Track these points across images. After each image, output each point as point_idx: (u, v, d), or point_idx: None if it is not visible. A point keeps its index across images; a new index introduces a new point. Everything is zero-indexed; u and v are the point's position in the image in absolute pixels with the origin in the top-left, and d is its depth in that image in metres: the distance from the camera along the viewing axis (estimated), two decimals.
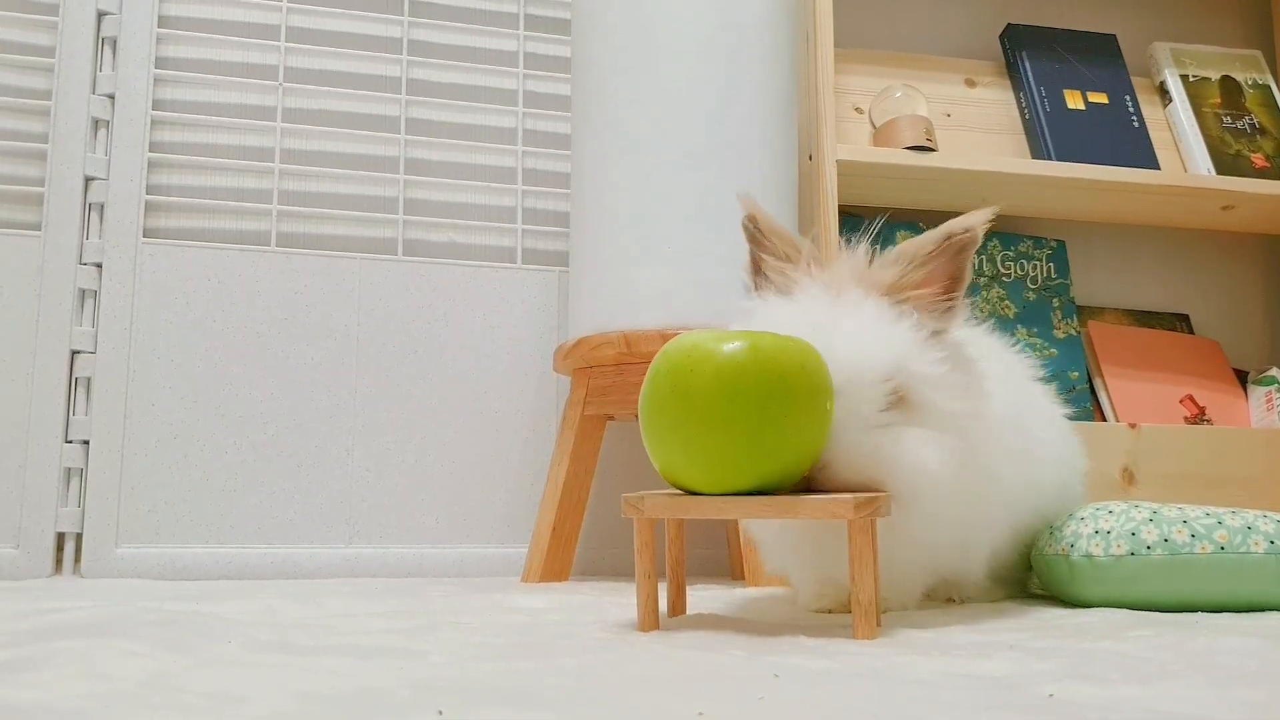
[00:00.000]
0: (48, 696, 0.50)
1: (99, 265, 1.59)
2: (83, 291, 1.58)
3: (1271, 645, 0.68)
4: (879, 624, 0.80)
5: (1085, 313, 1.93)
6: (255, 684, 0.53)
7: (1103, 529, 1.05)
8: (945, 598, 1.05)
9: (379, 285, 1.68)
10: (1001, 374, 1.04)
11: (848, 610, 0.93)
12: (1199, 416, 1.87)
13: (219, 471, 1.59)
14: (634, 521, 0.82)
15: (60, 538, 1.53)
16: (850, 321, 0.82)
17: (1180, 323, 2.02)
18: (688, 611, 0.93)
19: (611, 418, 1.51)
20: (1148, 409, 1.84)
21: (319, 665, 0.59)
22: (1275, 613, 0.99)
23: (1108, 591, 1.04)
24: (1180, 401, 1.89)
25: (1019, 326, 1.83)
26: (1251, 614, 0.98)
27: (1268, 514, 1.05)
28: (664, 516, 0.83)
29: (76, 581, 1.47)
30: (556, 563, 1.46)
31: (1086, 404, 1.82)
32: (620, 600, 1.16)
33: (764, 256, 0.91)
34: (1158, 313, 2.01)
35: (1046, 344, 1.83)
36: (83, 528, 1.53)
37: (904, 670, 0.58)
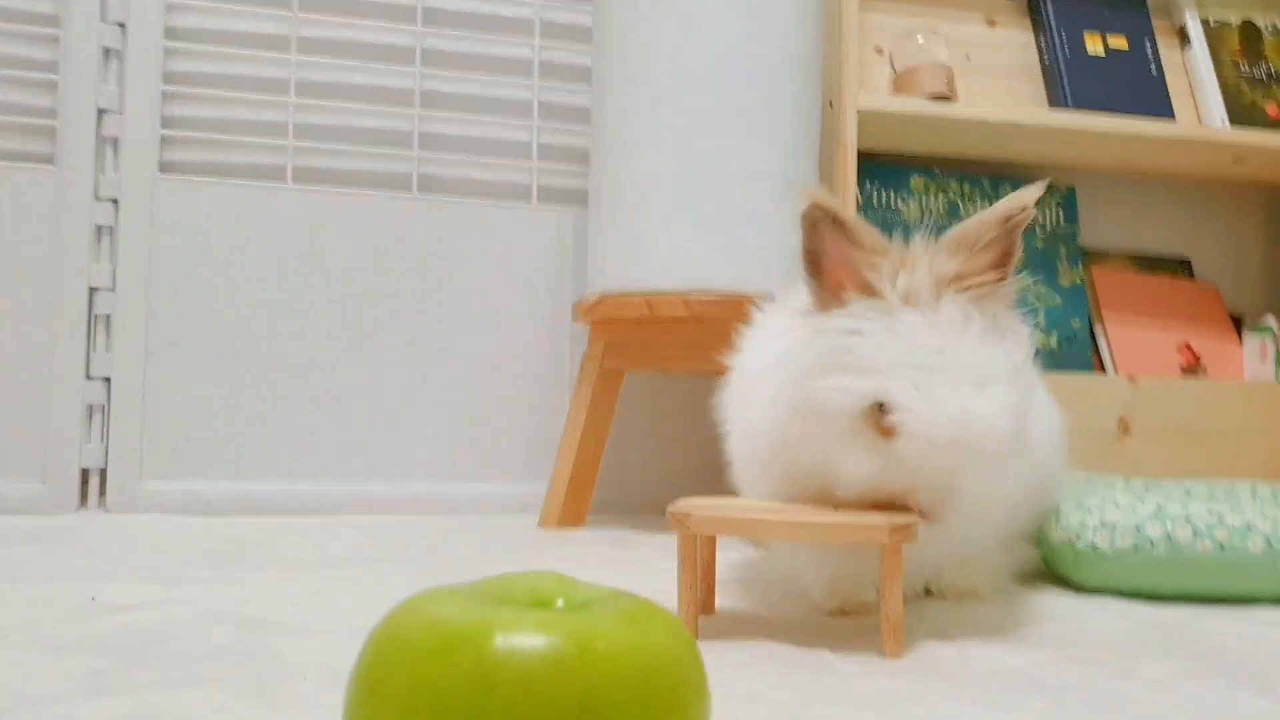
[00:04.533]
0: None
1: (115, 201, 1.58)
2: (99, 228, 1.58)
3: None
4: (903, 640, 0.85)
5: (1090, 257, 1.95)
6: None
7: (1109, 521, 1.10)
8: (965, 589, 1.07)
9: (394, 223, 1.68)
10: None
11: (860, 612, 0.97)
12: (1194, 365, 1.92)
13: (239, 408, 1.61)
14: (678, 535, 0.86)
15: (85, 473, 1.57)
16: (969, 356, 0.83)
17: (1182, 268, 2.05)
18: (716, 604, 0.97)
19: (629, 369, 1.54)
20: (1145, 357, 1.88)
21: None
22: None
23: (1111, 580, 1.09)
24: (1177, 349, 1.93)
25: (1024, 274, 1.85)
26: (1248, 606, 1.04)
27: (1265, 512, 1.09)
28: (709, 533, 0.87)
29: (103, 516, 1.51)
30: (573, 509, 1.50)
31: (1086, 352, 1.86)
32: (638, 556, 1.22)
33: (853, 254, 0.86)
34: (1160, 258, 2.03)
35: (1052, 292, 1.85)
36: (106, 463, 1.56)
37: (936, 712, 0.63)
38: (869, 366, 0.84)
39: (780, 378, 0.90)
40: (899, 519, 0.83)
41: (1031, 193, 0.85)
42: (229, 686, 0.66)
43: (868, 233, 0.86)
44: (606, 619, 0.40)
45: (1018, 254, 0.86)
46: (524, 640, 0.38)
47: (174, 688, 0.65)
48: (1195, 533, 1.07)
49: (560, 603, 0.44)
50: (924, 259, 0.85)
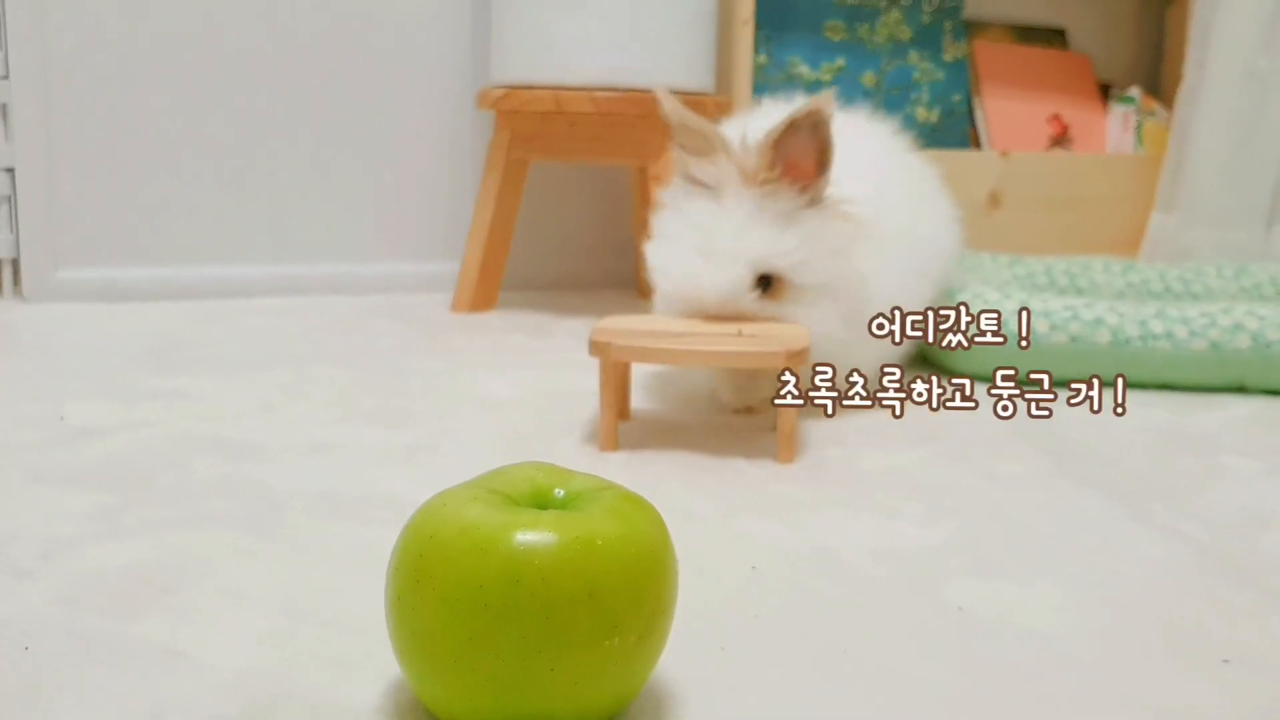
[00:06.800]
0: None
1: None
2: None
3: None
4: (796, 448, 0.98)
5: (973, 29, 2.03)
6: None
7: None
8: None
9: (288, 2, 1.66)
10: (875, 153, 1.18)
11: (760, 409, 1.10)
12: (1062, 135, 2.04)
13: (147, 195, 1.63)
14: (599, 360, 0.96)
15: None
16: (718, 235, 0.98)
17: (1057, 38, 2.14)
18: (632, 407, 1.09)
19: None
20: (1019, 130, 2.00)
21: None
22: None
23: (977, 367, 1.24)
24: (1047, 121, 2.05)
25: (911, 51, 1.92)
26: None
27: (1115, 306, 1.24)
28: (630, 361, 0.97)
29: (22, 306, 1.55)
30: (484, 294, 1.59)
31: (964, 127, 1.96)
32: (552, 347, 1.34)
33: (689, 151, 1.02)
34: (1038, 27, 2.11)
35: (935, 68, 1.93)
36: (18, 253, 1.57)
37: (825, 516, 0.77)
38: (660, 235, 1.04)
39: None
40: (794, 346, 0.94)
41: (822, 98, 0.96)
42: (232, 524, 0.76)
43: (698, 137, 1.01)
44: (601, 518, 0.50)
45: (830, 153, 0.99)
46: (540, 539, 0.49)
47: (185, 528, 0.75)
48: (1052, 326, 1.22)
49: (559, 492, 0.54)
50: (732, 158, 0.99)
